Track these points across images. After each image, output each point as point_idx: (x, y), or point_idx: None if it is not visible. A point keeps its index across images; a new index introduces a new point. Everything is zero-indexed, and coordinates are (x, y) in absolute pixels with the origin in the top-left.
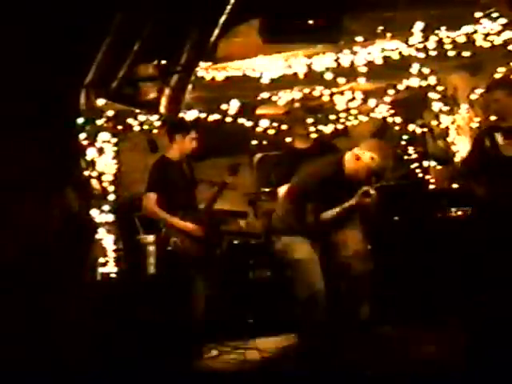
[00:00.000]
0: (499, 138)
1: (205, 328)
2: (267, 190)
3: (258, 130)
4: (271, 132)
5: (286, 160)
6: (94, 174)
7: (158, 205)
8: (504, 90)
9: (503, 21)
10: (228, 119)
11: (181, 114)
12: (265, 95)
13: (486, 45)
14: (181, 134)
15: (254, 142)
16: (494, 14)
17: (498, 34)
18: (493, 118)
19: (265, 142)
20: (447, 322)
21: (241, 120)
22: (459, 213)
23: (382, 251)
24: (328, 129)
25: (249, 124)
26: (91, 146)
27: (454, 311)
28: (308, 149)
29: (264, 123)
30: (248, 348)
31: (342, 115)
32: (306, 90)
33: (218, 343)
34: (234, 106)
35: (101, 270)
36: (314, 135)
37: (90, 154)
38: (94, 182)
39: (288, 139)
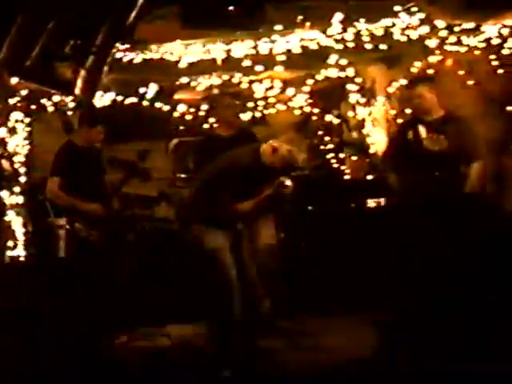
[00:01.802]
0: (422, 131)
1: (115, 314)
2: (183, 175)
3: (176, 114)
4: (189, 117)
5: (205, 146)
6: (5, 154)
7: (61, 189)
8: (426, 86)
9: (421, 15)
10: (145, 103)
11: (96, 97)
12: (184, 80)
13: (403, 39)
14: (87, 125)
15: (172, 128)
16: (413, 9)
17: (415, 28)
18: (408, 111)
19: (182, 128)
20: (356, 315)
21: (158, 104)
22: (373, 203)
23: (294, 242)
24: (246, 116)
25: (166, 108)
26: (3, 125)
27: (364, 303)
28: (228, 136)
29: (181, 108)
30: (159, 335)
31: (261, 103)
32: (225, 77)
33: (128, 330)
34: (151, 89)
35: (10, 253)
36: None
37: (1, 133)
38: (5, 163)
39: (206, 125)
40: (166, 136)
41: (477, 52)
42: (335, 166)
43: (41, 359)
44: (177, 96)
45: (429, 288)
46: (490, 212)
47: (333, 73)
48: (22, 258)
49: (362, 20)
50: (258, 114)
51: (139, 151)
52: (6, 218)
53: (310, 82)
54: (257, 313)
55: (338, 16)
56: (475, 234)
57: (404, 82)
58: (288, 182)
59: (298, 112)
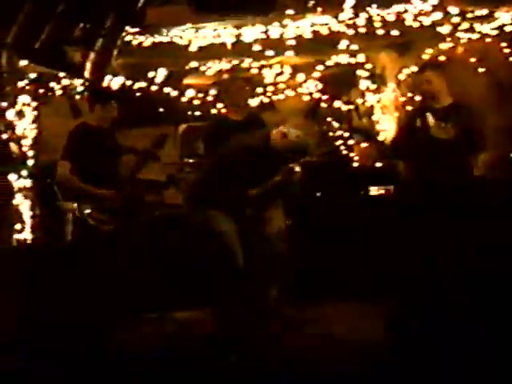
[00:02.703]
0: (430, 118)
1: (121, 299)
2: (191, 160)
3: (184, 99)
4: (197, 102)
5: (214, 131)
6: (13, 137)
7: (73, 172)
8: (435, 71)
9: (434, 1)
10: (154, 87)
11: (106, 80)
12: (193, 65)
13: (416, 25)
14: (100, 104)
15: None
16: None
17: (428, 14)
18: (418, 98)
19: (190, 113)
20: (363, 302)
21: (167, 89)
22: (381, 191)
23: (303, 228)
24: (255, 102)
25: (175, 93)
26: (11, 108)
27: (372, 290)
28: (238, 121)
29: (190, 93)
30: (166, 320)
31: (270, 89)
32: (235, 62)
33: (135, 315)
34: (161, 74)
35: (17, 236)
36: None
37: (9, 116)
38: (13, 146)
39: (214, 110)
40: (174, 121)
41: (489, 39)
42: (344, 152)
43: (46, 345)
44: (186, 81)
45: (436, 275)
46: (497, 200)
47: (343, 59)
48: (28, 242)
49: (374, 5)
50: (267, 100)
51: (156, 137)
52: (14, 202)
53: (320, 67)
54: (264, 299)
55: (350, 1)
56: (482, 221)
57: (415, 68)
58: (297, 169)
59: (307, 98)
